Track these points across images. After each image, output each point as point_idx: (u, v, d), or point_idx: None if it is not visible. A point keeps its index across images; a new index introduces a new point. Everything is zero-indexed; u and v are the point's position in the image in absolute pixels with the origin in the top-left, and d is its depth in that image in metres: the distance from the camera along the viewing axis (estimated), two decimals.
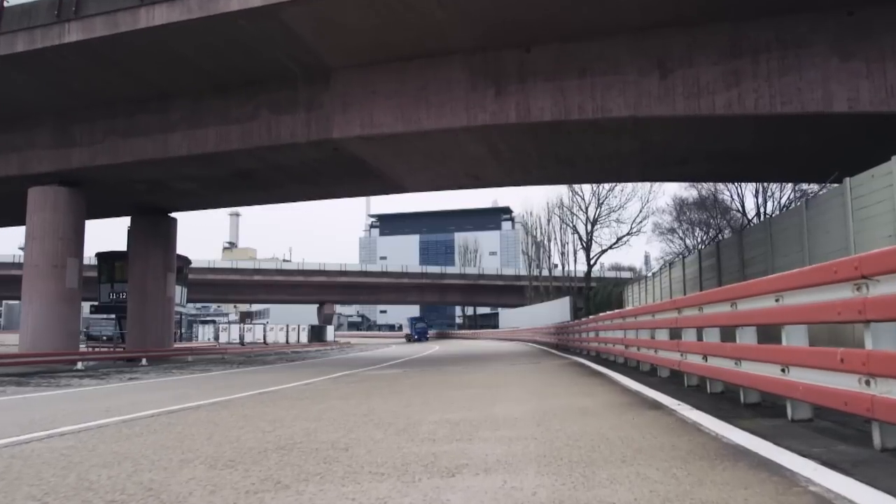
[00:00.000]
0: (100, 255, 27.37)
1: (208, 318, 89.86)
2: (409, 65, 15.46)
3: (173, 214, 25.14)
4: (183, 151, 17.34)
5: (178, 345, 35.92)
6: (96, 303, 27.30)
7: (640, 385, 6.93)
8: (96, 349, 29.05)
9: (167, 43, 14.93)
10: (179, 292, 28.56)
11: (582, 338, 16.74)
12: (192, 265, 61.69)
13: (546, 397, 6.59)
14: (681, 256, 25.83)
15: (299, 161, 18.16)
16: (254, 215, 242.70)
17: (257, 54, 15.36)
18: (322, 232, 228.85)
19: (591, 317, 15.82)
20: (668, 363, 6.96)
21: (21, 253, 19.82)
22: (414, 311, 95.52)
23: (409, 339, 63.40)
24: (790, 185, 35.07)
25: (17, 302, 22.87)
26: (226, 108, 17.06)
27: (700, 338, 5.76)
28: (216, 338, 55.75)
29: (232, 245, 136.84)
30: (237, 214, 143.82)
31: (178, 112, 17.48)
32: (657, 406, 5.29)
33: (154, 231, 24.12)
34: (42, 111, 18.43)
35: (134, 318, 23.58)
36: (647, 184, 42.49)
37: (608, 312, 12.95)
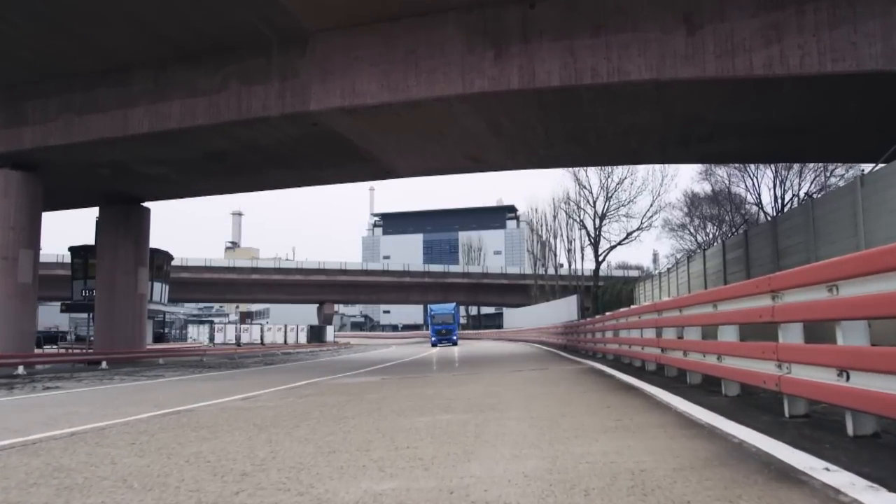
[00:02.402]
0: (73, 250, 25.57)
1: (206, 319, 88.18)
2: (397, 25, 13.60)
3: (148, 204, 23.25)
4: (144, 128, 15.47)
5: (167, 346, 34.09)
6: (69, 301, 25.46)
7: (708, 411, 4.65)
8: (69, 350, 27.21)
9: (122, 3, 13.09)
10: (159, 289, 26.76)
11: (596, 338, 14.74)
12: (189, 264, 60.56)
13: (563, 438, 4.04)
14: (701, 249, 23.81)
15: (276, 140, 16.22)
16: (256, 215, 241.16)
17: (226, 17, 13.72)
18: (325, 232, 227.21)
19: (608, 314, 13.79)
20: (751, 378, 4.59)
21: None
22: (418, 311, 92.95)
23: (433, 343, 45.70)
24: (810, 177, 33.10)
25: None
26: (192, 79, 15.23)
27: (833, 339, 3.38)
28: (211, 339, 53.88)
29: (234, 245, 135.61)
30: (239, 214, 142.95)
31: (140, 85, 15.61)
32: (786, 473, 2.84)
33: (125, 222, 22.19)
34: None
35: (102, 317, 21.64)
36: (659, 176, 40.66)
37: (634, 307, 10.84)
